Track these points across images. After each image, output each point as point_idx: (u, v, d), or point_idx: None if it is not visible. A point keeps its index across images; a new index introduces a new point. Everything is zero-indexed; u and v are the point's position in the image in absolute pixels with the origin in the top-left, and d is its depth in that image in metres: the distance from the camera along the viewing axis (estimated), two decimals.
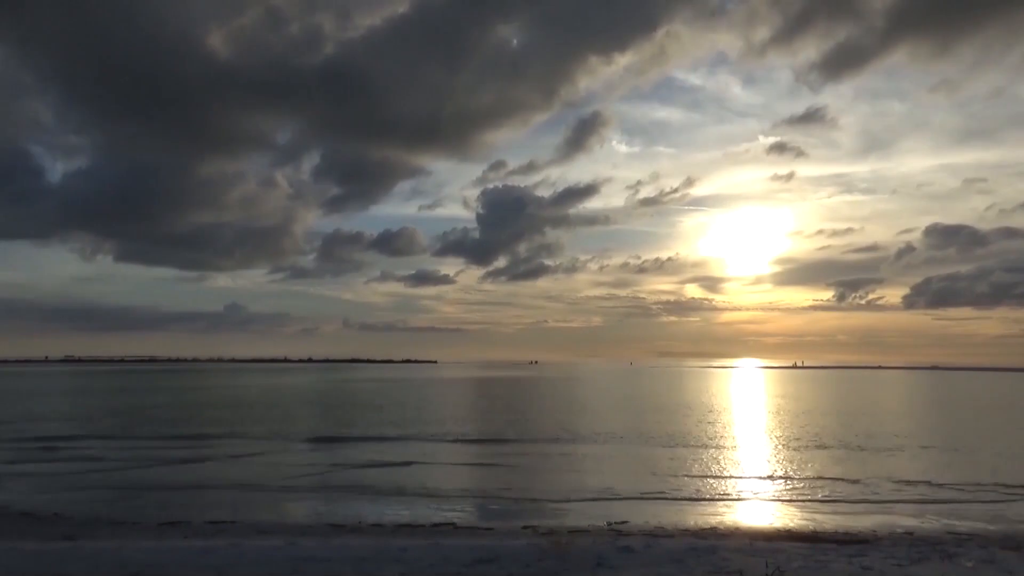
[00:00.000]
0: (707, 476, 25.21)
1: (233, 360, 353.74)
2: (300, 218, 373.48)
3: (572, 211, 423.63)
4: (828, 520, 18.37)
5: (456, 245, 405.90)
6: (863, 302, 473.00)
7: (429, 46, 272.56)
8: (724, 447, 33.25)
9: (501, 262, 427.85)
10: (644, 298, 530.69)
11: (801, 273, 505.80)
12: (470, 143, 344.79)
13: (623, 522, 17.88)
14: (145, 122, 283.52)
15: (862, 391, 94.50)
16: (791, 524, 17.91)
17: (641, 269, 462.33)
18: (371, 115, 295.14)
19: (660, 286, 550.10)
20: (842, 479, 24.48)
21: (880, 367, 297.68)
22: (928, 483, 23.85)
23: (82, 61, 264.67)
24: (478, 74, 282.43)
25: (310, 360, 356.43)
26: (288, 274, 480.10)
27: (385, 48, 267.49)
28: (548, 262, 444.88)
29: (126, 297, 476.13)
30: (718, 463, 28.23)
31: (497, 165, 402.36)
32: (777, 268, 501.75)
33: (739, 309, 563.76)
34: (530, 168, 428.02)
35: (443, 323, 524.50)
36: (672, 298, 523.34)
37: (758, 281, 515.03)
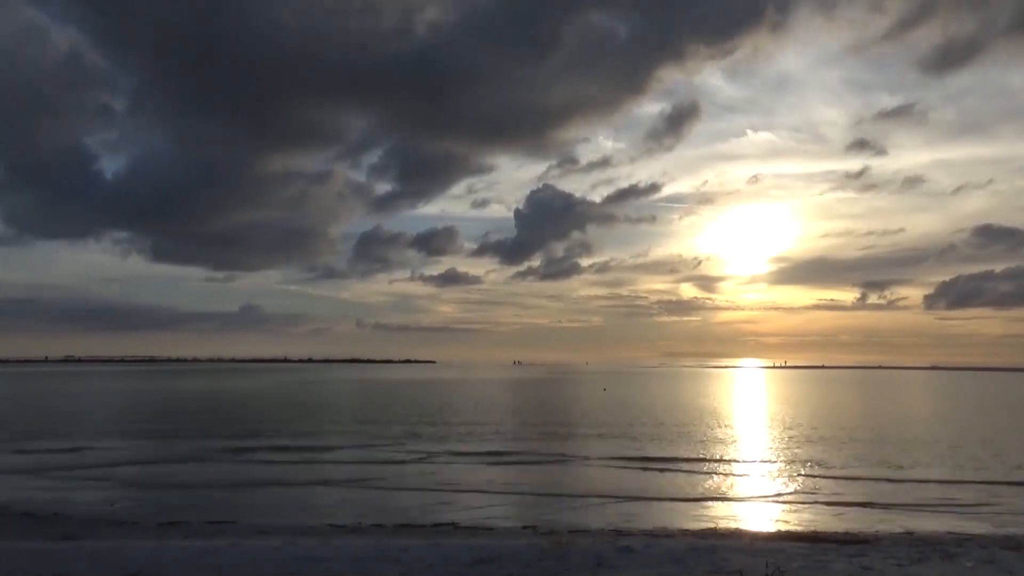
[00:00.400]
0: (707, 476, 25.22)
1: (232, 360, 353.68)
2: (344, 217, 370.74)
3: (624, 210, 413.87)
4: (828, 520, 18.37)
5: (495, 245, 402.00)
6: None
7: (515, 34, 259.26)
8: (723, 448, 33.27)
9: (532, 262, 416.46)
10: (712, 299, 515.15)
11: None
12: (543, 139, 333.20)
13: (624, 523, 17.90)
14: (213, 116, 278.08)
15: (867, 391, 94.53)
16: (791, 524, 17.92)
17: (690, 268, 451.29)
18: (445, 108, 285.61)
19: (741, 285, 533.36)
20: (842, 479, 24.50)
21: (891, 367, 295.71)
22: (928, 483, 23.86)
23: (150, 51, 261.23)
24: (564, 65, 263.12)
25: (310, 360, 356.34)
26: (318, 274, 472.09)
27: (468, 37, 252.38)
28: (582, 262, 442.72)
29: (147, 297, 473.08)
30: (717, 463, 28.25)
31: (564, 162, 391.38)
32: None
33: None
34: (594, 166, 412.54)
35: (453, 323, 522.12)
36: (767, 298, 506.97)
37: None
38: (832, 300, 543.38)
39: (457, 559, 12.86)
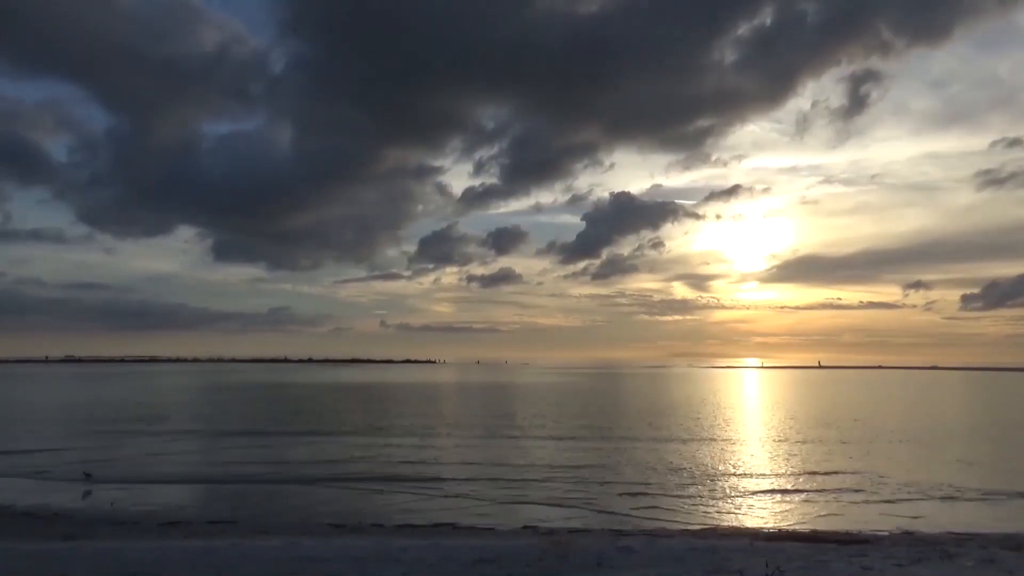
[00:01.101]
0: (706, 476, 25.21)
1: (228, 360, 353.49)
2: (428, 214, 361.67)
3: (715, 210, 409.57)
4: (828, 520, 18.39)
5: (559, 246, 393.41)
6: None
7: (681, 19, 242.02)
8: (723, 448, 33.27)
9: (579, 265, 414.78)
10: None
11: None
12: (680, 134, 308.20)
13: (624, 523, 17.90)
14: (346, 105, 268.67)
15: (870, 392, 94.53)
16: (791, 524, 17.94)
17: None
18: (578, 98, 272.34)
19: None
20: (842, 478, 24.49)
21: (896, 367, 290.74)
22: (929, 483, 23.84)
23: (299, 36, 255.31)
24: (728, 55, 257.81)
25: (310, 360, 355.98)
26: (377, 274, 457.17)
27: (628, 22, 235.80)
28: (640, 263, 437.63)
29: (185, 296, 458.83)
30: (717, 464, 28.24)
31: (687, 159, 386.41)
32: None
33: None
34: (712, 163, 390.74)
35: (457, 322, 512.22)
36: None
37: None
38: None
39: (457, 559, 12.86)
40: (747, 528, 17.41)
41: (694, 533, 16.47)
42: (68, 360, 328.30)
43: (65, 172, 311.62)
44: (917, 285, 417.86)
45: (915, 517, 18.83)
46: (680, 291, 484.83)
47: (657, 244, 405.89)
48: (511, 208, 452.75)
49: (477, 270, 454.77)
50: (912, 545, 14.61)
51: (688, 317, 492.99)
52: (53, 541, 15.28)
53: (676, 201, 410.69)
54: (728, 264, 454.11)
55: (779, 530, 17.10)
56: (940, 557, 13.21)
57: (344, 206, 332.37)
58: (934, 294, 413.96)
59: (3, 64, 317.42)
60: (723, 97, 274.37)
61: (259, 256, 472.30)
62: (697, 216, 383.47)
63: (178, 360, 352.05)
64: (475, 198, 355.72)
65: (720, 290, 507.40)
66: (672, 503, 20.72)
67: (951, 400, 76.73)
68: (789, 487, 23.21)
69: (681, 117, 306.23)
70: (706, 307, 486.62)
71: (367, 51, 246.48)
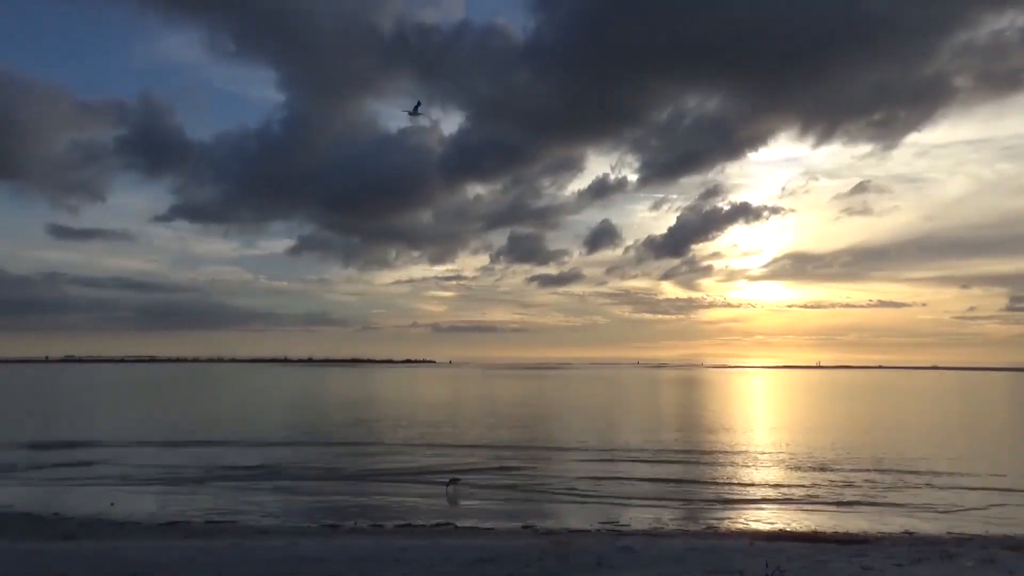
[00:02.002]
0: (705, 476, 25.21)
1: (223, 360, 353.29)
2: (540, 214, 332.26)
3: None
4: (828, 520, 18.39)
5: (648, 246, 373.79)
6: None
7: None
8: (721, 450, 33.25)
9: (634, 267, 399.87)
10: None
11: None
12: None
13: (623, 523, 17.90)
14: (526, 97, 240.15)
15: (872, 392, 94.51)
16: (791, 524, 17.94)
17: None
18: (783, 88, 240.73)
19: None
20: (842, 478, 24.48)
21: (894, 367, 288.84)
22: (929, 483, 23.84)
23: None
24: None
25: (310, 360, 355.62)
26: (449, 276, 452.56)
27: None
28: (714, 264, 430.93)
29: (232, 296, 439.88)
30: (716, 464, 28.23)
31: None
32: None
33: None
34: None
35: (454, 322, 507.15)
36: None
37: None
38: None
39: (457, 559, 12.86)
40: (747, 528, 17.41)
41: (694, 533, 16.47)
42: (68, 360, 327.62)
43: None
44: None
45: (915, 517, 18.83)
46: None
47: None
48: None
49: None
50: (912, 545, 14.62)
51: None
52: (53, 541, 15.28)
53: None
54: None
55: (779, 530, 17.10)
56: (940, 557, 13.20)
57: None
58: None
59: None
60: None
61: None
62: None
63: (178, 360, 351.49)
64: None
65: None
66: (672, 504, 20.73)
67: (954, 399, 76.74)
68: (788, 487, 23.19)
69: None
70: None
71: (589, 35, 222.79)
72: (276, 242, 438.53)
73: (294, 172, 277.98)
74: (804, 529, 17.09)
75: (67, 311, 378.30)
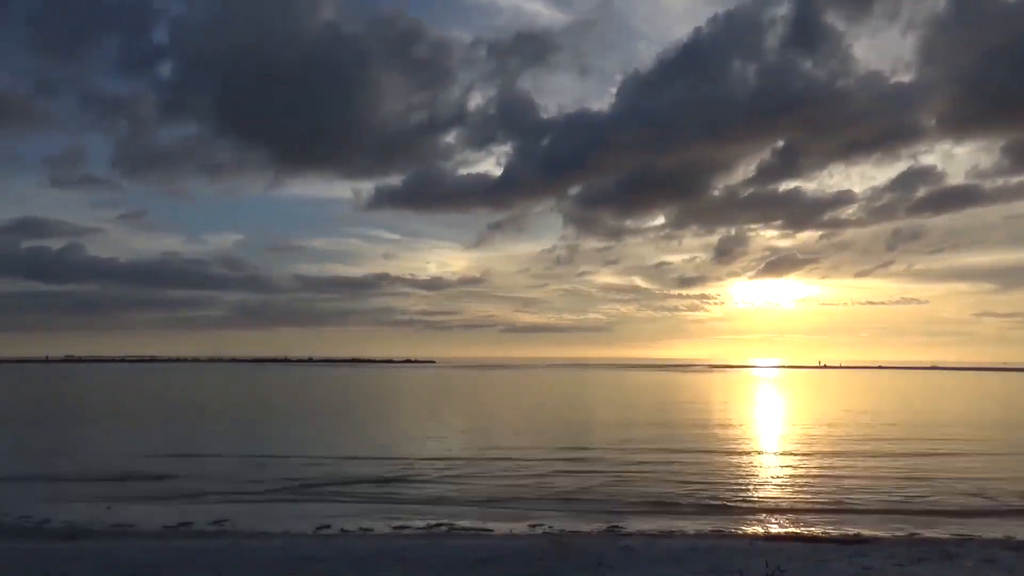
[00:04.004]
0: (705, 476, 25.19)
1: (232, 360, 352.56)
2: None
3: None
4: (828, 520, 18.37)
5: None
6: None
7: None
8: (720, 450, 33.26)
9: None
10: None
11: None
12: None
13: (623, 524, 17.89)
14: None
15: (873, 391, 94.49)
16: (791, 524, 17.93)
17: None
18: None
19: None
20: (842, 479, 24.47)
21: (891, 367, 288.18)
22: (929, 484, 23.83)
23: None
24: None
25: (310, 360, 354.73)
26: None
27: None
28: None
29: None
30: (716, 464, 28.23)
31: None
32: None
33: None
34: None
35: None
36: None
37: None
38: None
39: (457, 559, 12.86)
40: (747, 528, 17.39)
41: (694, 533, 16.47)
42: (68, 359, 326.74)
43: None
44: None
45: (915, 517, 18.80)
46: None
47: None
48: None
49: None
50: (912, 545, 14.62)
51: None
52: (53, 541, 15.27)
53: None
54: None
55: (779, 530, 17.10)
56: (940, 557, 13.21)
57: None
58: None
59: None
60: None
61: None
62: None
63: (178, 360, 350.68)
64: None
65: None
66: (672, 504, 20.71)
67: (955, 399, 76.67)
68: (788, 487, 23.18)
69: None
70: None
71: None
72: None
73: None
74: (804, 529, 17.08)
75: None
